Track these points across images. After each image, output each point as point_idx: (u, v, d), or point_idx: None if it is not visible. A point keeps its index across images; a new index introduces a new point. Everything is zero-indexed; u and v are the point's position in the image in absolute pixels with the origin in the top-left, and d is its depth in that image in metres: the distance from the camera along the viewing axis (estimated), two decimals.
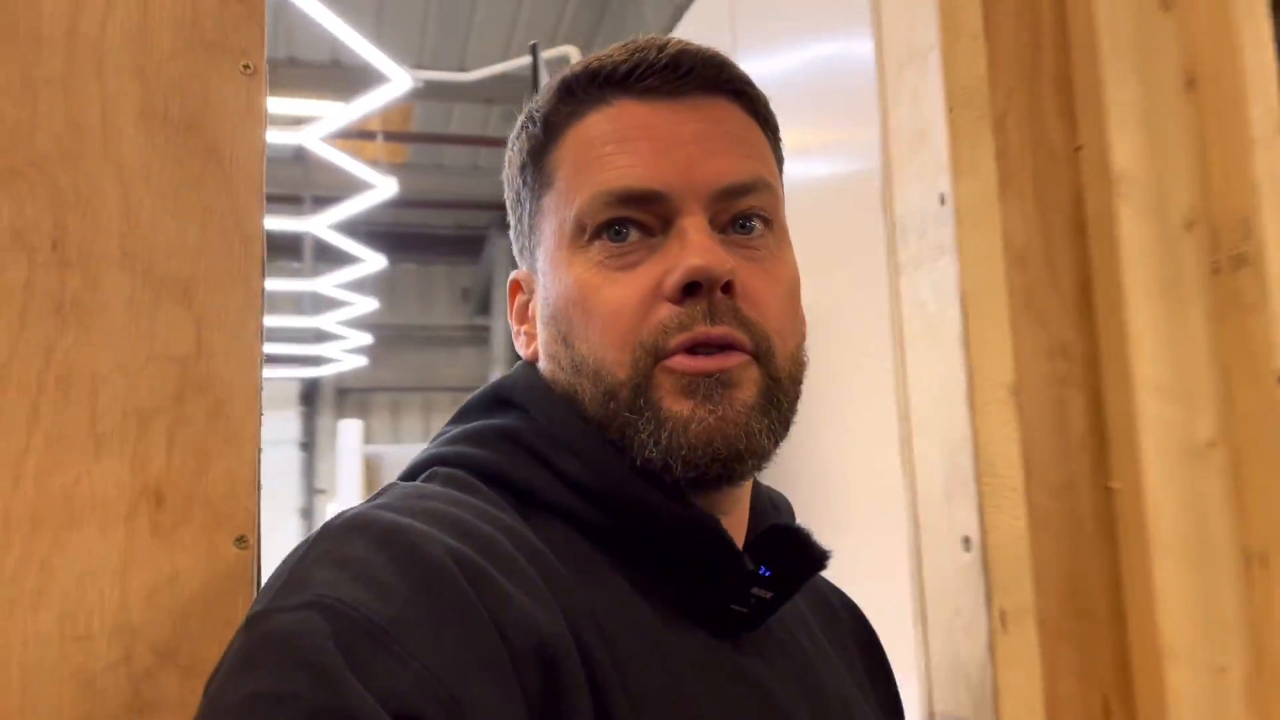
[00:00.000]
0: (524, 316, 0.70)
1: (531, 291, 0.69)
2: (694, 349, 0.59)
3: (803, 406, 0.65)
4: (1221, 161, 1.03)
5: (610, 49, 0.66)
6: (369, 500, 0.58)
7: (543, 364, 0.66)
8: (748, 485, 0.67)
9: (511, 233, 0.71)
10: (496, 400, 0.67)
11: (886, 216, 0.98)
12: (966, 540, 0.90)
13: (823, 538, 0.65)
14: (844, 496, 1.24)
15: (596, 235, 0.62)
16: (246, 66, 0.69)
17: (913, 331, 0.96)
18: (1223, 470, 1.01)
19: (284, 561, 0.52)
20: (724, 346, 0.59)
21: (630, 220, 0.61)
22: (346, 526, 0.52)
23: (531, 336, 0.68)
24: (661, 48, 0.64)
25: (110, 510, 0.63)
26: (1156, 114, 1.04)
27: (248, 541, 0.65)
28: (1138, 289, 1.00)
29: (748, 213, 0.63)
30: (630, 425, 0.60)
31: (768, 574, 0.61)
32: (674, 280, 0.59)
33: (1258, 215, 1.00)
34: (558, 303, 0.64)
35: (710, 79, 0.64)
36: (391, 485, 0.61)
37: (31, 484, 0.61)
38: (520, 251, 0.70)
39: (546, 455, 0.61)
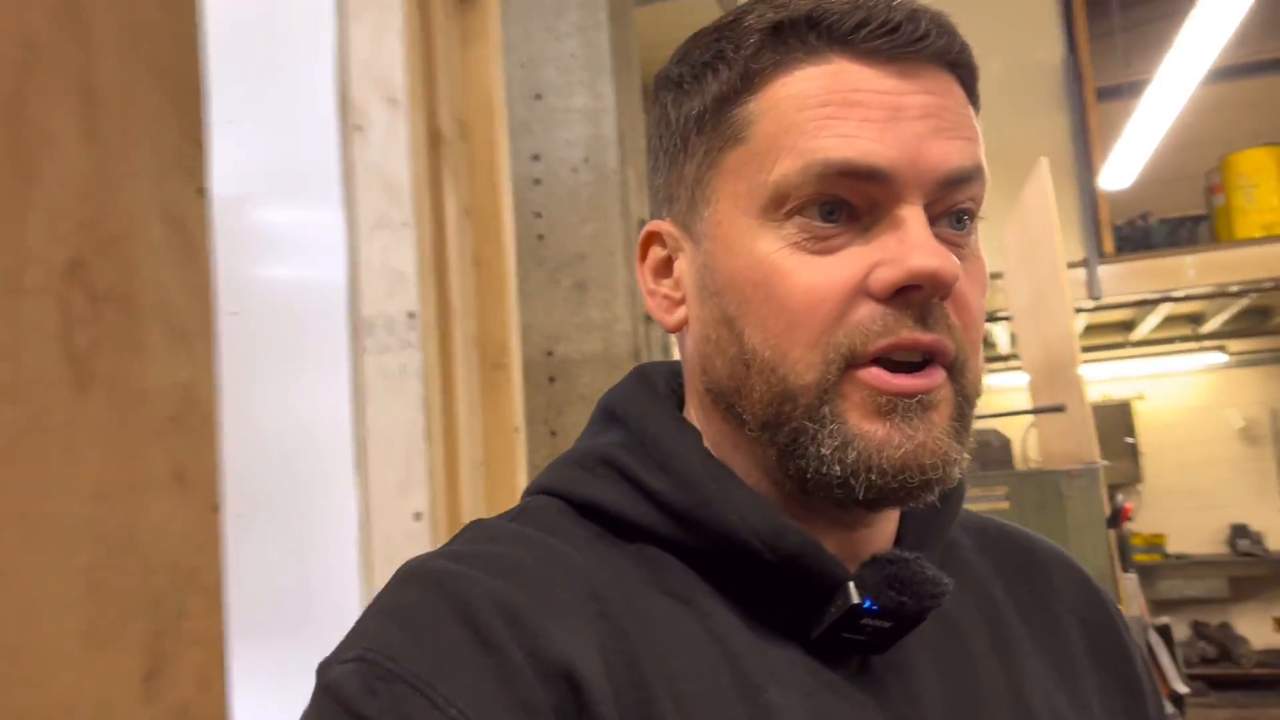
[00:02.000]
0: (663, 275, 0.63)
1: (679, 250, 0.62)
2: (893, 362, 0.54)
3: None
4: (492, 308, 1.85)
5: None
6: (448, 542, 0.60)
7: (692, 343, 0.61)
8: None
9: (655, 175, 0.64)
10: (606, 414, 0.65)
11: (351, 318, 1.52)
12: (418, 514, 1.50)
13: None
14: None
15: (799, 210, 0.55)
16: None
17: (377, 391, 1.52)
18: (484, 479, 1.81)
19: (366, 608, 0.55)
20: (925, 361, 0.55)
21: (842, 199, 0.55)
22: (406, 576, 0.55)
23: (674, 301, 0.62)
24: (891, 2, 0.56)
25: None
26: (465, 283, 1.81)
27: None
28: (460, 381, 1.75)
29: (965, 207, 0.57)
30: (806, 434, 0.55)
31: (874, 609, 0.55)
32: (892, 277, 0.53)
33: (509, 342, 1.85)
34: (731, 279, 0.57)
35: (941, 48, 0.57)
36: (473, 524, 0.61)
37: None
38: (669, 200, 0.62)
39: (640, 478, 0.59)
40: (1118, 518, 3.32)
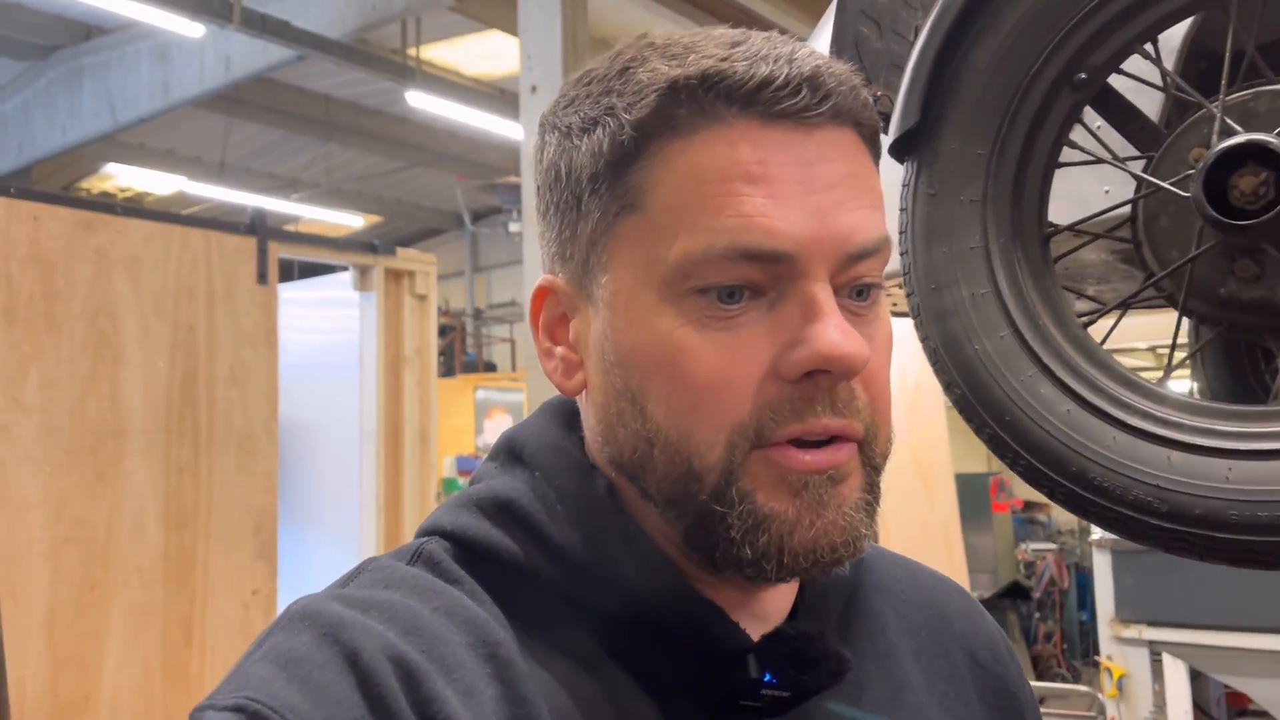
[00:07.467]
0: (559, 335, 0.61)
1: (575, 311, 0.60)
2: (801, 440, 0.53)
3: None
4: (425, 415, 4.69)
5: (714, 44, 0.55)
6: (340, 581, 0.58)
7: (593, 411, 0.59)
8: None
9: (548, 226, 0.61)
10: (510, 453, 0.63)
11: None
12: None
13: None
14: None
15: (699, 290, 0.54)
16: None
17: None
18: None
19: (253, 643, 0.53)
20: (833, 438, 0.54)
21: (745, 281, 0.53)
22: (298, 618, 0.53)
23: (573, 365, 0.60)
24: (792, 58, 0.54)
25: None
26: (412, 405, 4.66)
27: None
28: (406, 455, 4.61)
29: (868, 280, 0.56)
30: (714, 518, 0.54)
31: (773, 682, 0.56)
32: (801, 360, 0.53)
33: (429, 430, 4.71)
34: (632, 353, 0.56)
35: (846, 107, 0.55)
36: (370, 561, 0.59)
37: None
38: (561, 257, 0.60)
39: (546, 531, 0.58)
40: None
